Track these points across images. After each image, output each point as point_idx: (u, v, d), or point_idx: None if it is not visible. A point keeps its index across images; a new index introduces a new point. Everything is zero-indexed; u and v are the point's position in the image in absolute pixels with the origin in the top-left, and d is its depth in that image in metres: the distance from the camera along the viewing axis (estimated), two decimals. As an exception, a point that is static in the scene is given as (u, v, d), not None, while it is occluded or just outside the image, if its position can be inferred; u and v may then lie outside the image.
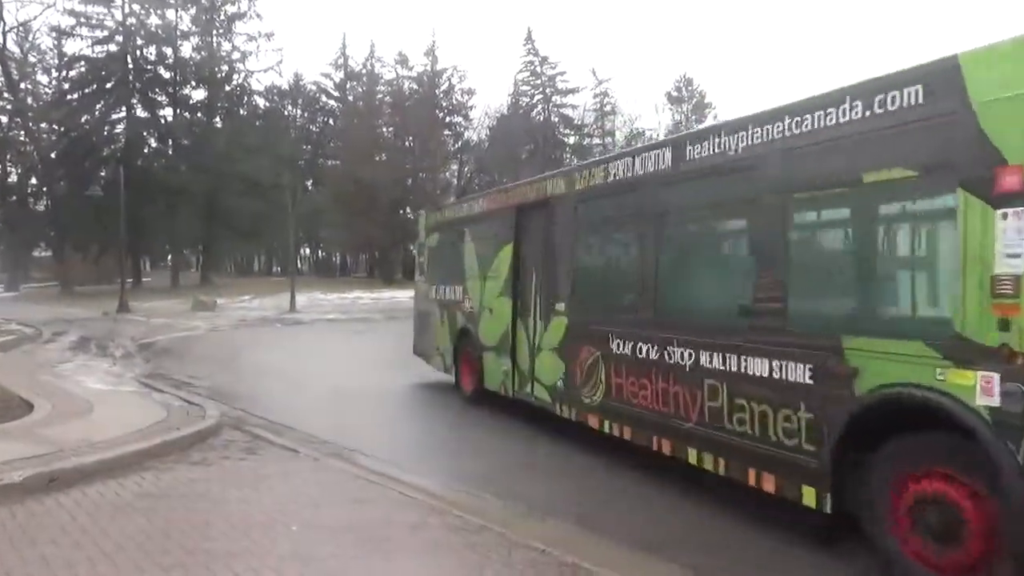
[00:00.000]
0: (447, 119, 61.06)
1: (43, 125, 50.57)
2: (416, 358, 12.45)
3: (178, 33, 51.14)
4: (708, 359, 5.51)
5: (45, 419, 7.73)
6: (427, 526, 4.84)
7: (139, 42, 50.46)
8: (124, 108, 50.44)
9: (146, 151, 51.35)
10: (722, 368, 5.36)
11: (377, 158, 53.38)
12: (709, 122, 55.74)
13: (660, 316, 6.21)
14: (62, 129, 49.85)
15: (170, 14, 50.52)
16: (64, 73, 53.27)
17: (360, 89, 64.16)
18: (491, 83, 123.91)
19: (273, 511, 5.09)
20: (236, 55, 54.41)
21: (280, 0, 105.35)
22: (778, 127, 5.03)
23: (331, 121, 68.69)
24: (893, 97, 4.23)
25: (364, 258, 66.16)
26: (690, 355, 5.71)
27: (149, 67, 51.35)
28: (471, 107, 62.81)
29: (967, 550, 3.79)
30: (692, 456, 5.68)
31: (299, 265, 62.10)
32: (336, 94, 68.57)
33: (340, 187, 52.60)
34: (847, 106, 4.52)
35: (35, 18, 72.61)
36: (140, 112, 51.09)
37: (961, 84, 3.86)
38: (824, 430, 4.50)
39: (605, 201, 7.29)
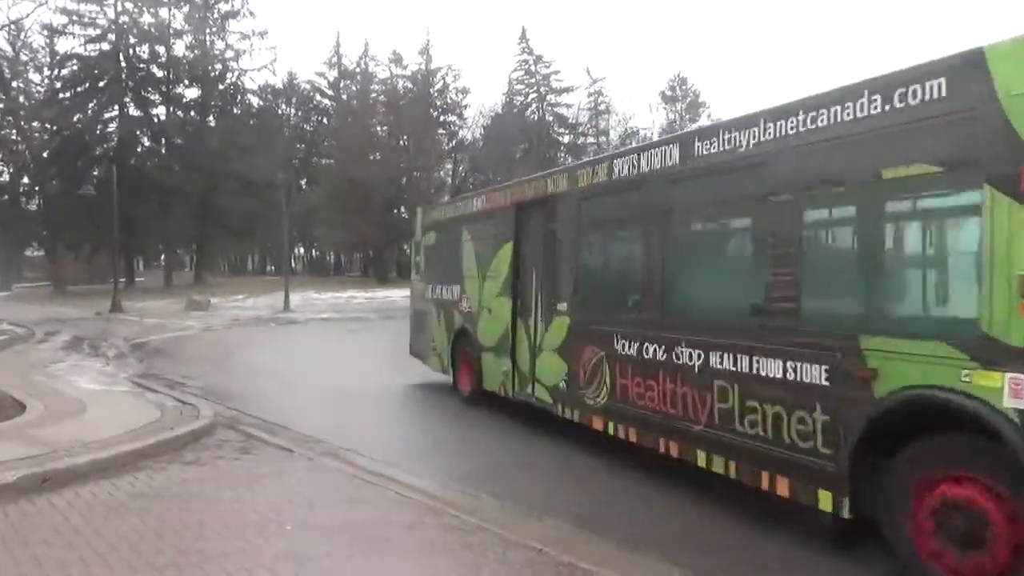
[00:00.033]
0: (441, 118, 60.98)
1: (35, 124, 50.41)
2: (412, 358, 12.34)
3: (171, 31, 50.88)
4: (718, 360, 5.40)
5: (38, 419, 7.69)
6: (423, 526, 4.82)
7: (132, 40, 50.21)
8: (117, 107, 50.23)
9: (139, 150, 51.13)
10: (733, 369, 5.25)
11: (371, 157, 53.28)
12: (703, 121, 55.88)
13: (668, 316, 6.09)
14: (54, 128, 49.58)
15: (163, 12, 50.28)
16: (56, 71, 53.02)
17: (354, 88, 64.03)
18: (485, 82, 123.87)
19: (267, 511, 5.06)
20: (229, 54, 54.31)
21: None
22: (792, 122, 4.93)
23: (325, 120, 68.64)
24: (914, 91, 4.13)
25: (358, 257, 66.11)
26: (699, 356, 5.59)
27: (142, 65, 51.10)
28: (465, 106, 62.89)
29: (992, 555, 3.73)
30: (701, 459, 5.57)
31: (293, 264, 62.06)
32: (330, 93, 68.47)
33: (334, 186, 52.52)
34: (865, 101, 4.42)
35: (27, 16, 72.15)
36: (133, 111, 50.92)
37: (987, 77, 3.76)
38: (841, 432, 4.40)
39: (610, 199, 7.16)
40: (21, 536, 4.50)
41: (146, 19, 49.94)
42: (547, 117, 63.95)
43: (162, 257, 59.50)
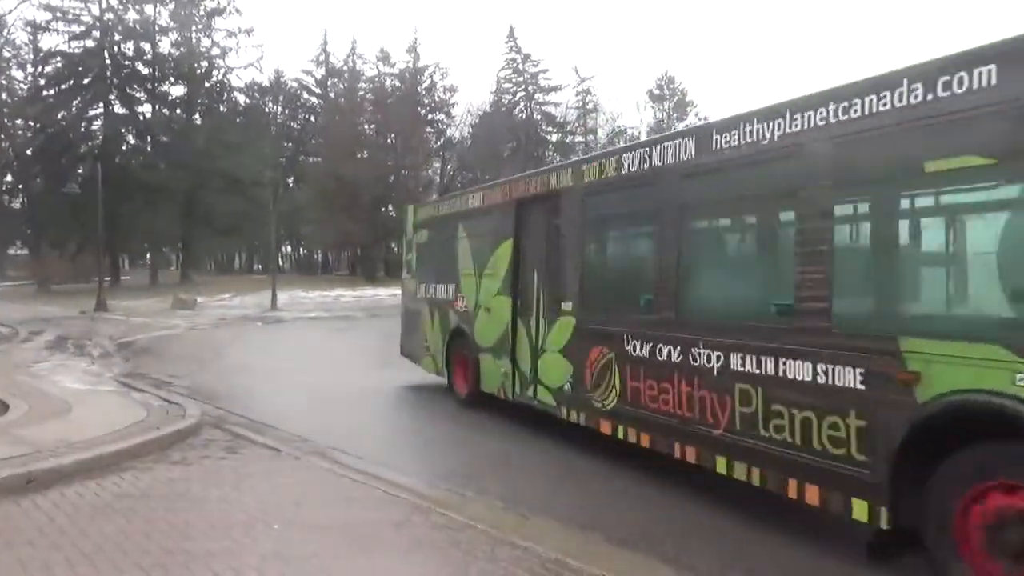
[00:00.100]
0: (429, 116, 60.93)
1: (18, 121, 49.84)
2: (403, 358, 12.07)
3: (156, 28, 50.64)
4: (740, 362, 5.13)
5: (22, 419, 7.61)
6: (411, 524, 4.81)
7: (117, 37, 49.88)
8: (101, 104, 49.88)
9: (124, 148, 50.80)
10: (757, 371, 4.99)
11: (359, 155, 53.16)
12: (691, 120, 56.08)
13: (683, 316, 5.80)
14: (38, 125, 49.19)
15: (148, 9, 50.06)
16: (40, 69, 52.51)
17: (341, 86, 63.85)
18: (473, 80, 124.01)
19: (254, 510, 5.05)
20: (216, 51, 54.14)
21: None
22: (821, 113, 4.68)
23: (312, 118, 68.41)
24: (960, 79, 3.89)
25: (346, 256, 65.90)
26: (719, 358, 5.33)
27: (127, 63, 50.78)
28: (453, 104, 62.94)
29: None
30: (721, 465, 5.31)
31: (280, 263, 61.78)
32: (317, 91, 68.28)
33: (321, 184, 52.35)
34: (904, 90, 4.18)
35: (10, 12, 71.06)
36: (118, 108, 50.57)
37: None
38: (879, 439, 4.17)
39: (620, 194, 6.87)
40: (5, 537, 4.46)
41: (131, 16, 49.70)
42: (535, 116, 64.02)
43: (148, 255, 59.09)
